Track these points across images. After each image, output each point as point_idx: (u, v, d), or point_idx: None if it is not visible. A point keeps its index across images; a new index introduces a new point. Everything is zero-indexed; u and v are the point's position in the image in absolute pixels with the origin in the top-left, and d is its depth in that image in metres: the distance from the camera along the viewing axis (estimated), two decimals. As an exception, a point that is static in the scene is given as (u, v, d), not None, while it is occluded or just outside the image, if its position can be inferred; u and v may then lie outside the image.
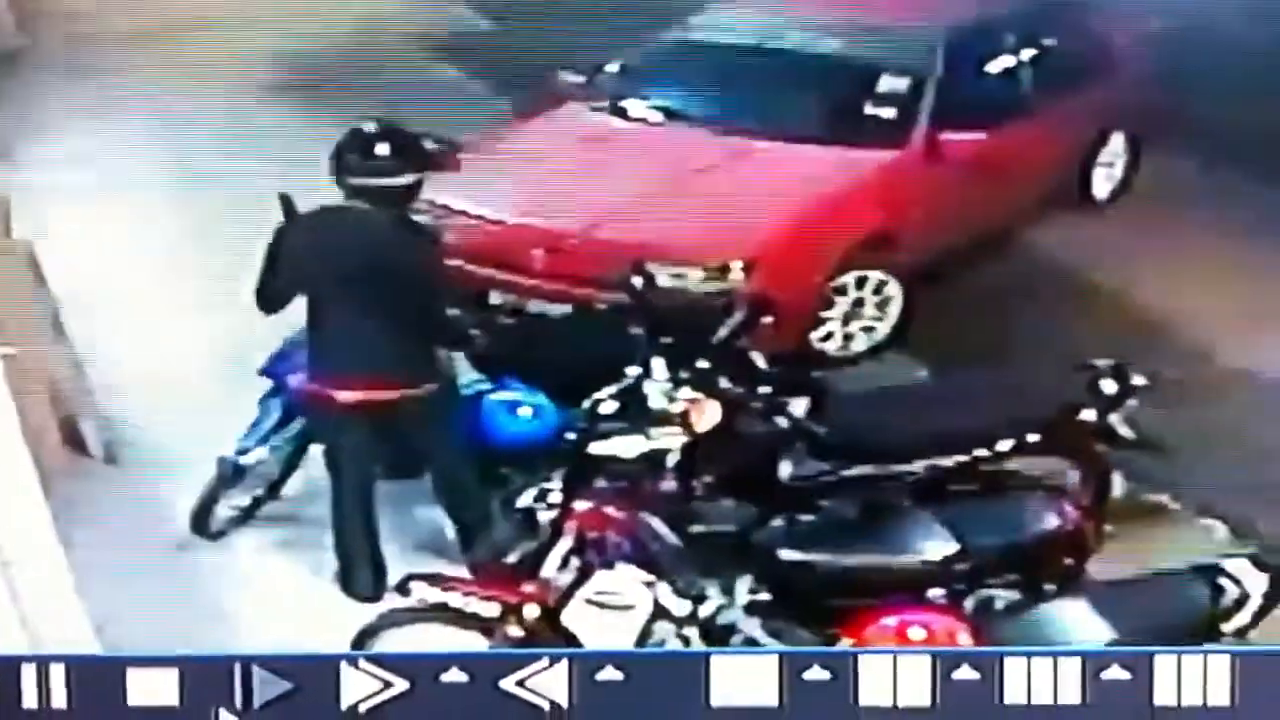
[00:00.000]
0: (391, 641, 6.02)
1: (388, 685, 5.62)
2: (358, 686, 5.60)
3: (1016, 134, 8.58)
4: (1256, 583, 6.11)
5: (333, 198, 6.95)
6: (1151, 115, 9.06)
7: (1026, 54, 8.98)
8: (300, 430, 6.96)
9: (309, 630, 6.15)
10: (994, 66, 8.92)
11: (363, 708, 5.60)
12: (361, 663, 5.64)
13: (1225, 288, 8.00)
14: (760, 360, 6.89)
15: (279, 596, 6.56)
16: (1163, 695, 5.70)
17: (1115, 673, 5.68)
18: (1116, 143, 9.20)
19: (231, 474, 6.95)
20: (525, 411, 7.04)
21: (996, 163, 8.32)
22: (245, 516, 6.99)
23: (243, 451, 6.98)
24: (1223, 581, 6.13)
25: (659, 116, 8.86)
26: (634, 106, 8.93)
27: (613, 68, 9.19)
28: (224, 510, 6.96)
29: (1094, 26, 9.06)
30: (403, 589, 6.13)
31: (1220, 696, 5.67)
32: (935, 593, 6.28)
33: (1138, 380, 6.83)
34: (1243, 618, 6.07)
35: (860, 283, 7.99)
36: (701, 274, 7.88)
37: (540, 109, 9.05)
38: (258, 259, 6.83)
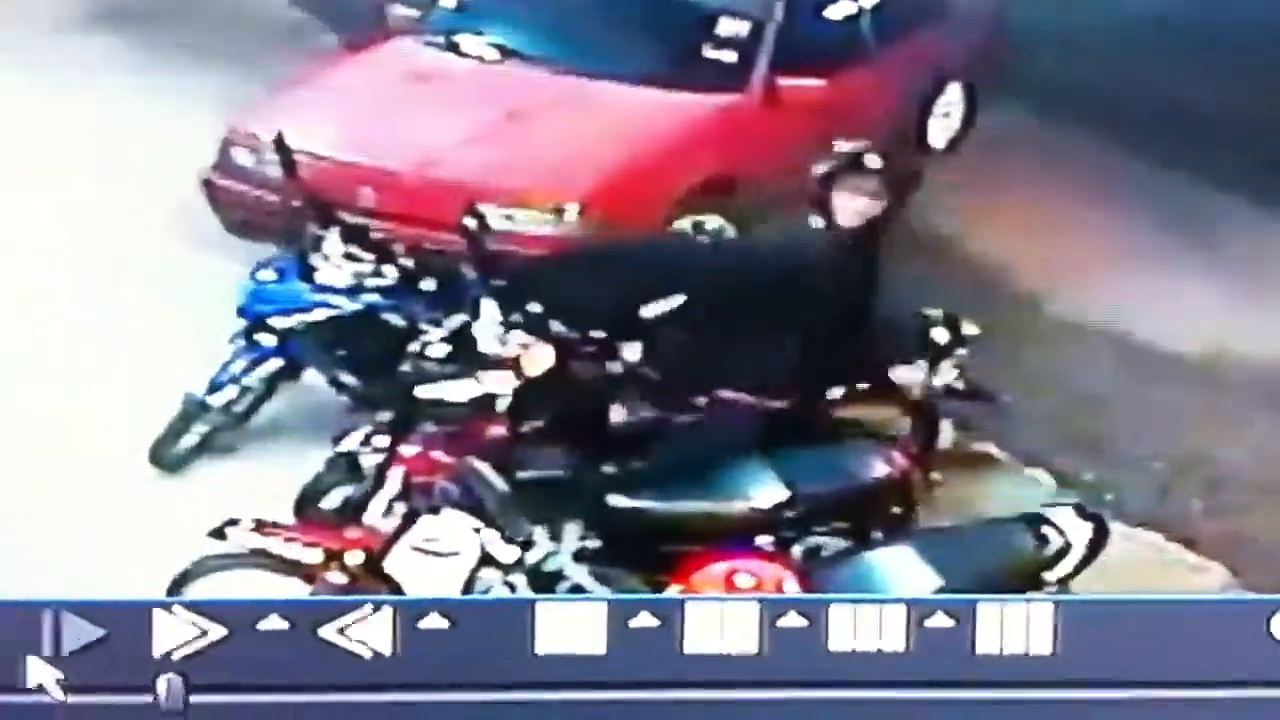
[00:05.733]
0: (208, 587, 6.01)
1: (203, 633, 5.60)
2: (172, 633, 5.57)
3: (855, 81, 8.67)
4: (1080, 532, 6.28)
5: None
6: (988, 65, 9.20)
7: (867, 1, 9.08)
8: (273, 371, 7.08)
9: (122, 574, 6.10)
10: (834, 12, 9.00)
11: (177, 655, 5.58)
12: (176, 609, 5.61)
13: (1055, 238, 8.16)
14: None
15: (90, 540, 6.54)
16: (985, 643, 5.83)
17: (939, 620, 5.81)
18: (953, 92, 9.34)
19: (197, 410, 7.07)
20: (266, 274, 7.15)
21: (835, 109, 8.40)
22: (201, 448, 7.07)
23: (214, 389, 7.09)
24: (1047, 531, 6.30)
25: (494, 54, 8.84)
26: (468, 43, 8.91)
27: (447, 2, 9.15)
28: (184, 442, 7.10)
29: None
30: (219, 534, 6.12)
31: (1042, 645, 5.82)
32: (764, 540, 6.39)
33: (969, 330, 6.95)
34: (1065, 566, 6.24)
35: (697, 227, 8.06)
36: (535, 215, 7.91)
37: (369, 43, 9.00)
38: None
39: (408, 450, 6.41)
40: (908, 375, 6.81)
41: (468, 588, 6.11)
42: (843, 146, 7.00)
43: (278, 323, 7.11)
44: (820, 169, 6.95)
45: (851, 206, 6.81)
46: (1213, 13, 8.51)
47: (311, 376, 7.20)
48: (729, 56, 8.68)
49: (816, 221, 6.91)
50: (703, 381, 6.83)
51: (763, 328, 6.71)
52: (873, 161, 6.92)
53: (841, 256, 6.79)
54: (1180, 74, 8.63)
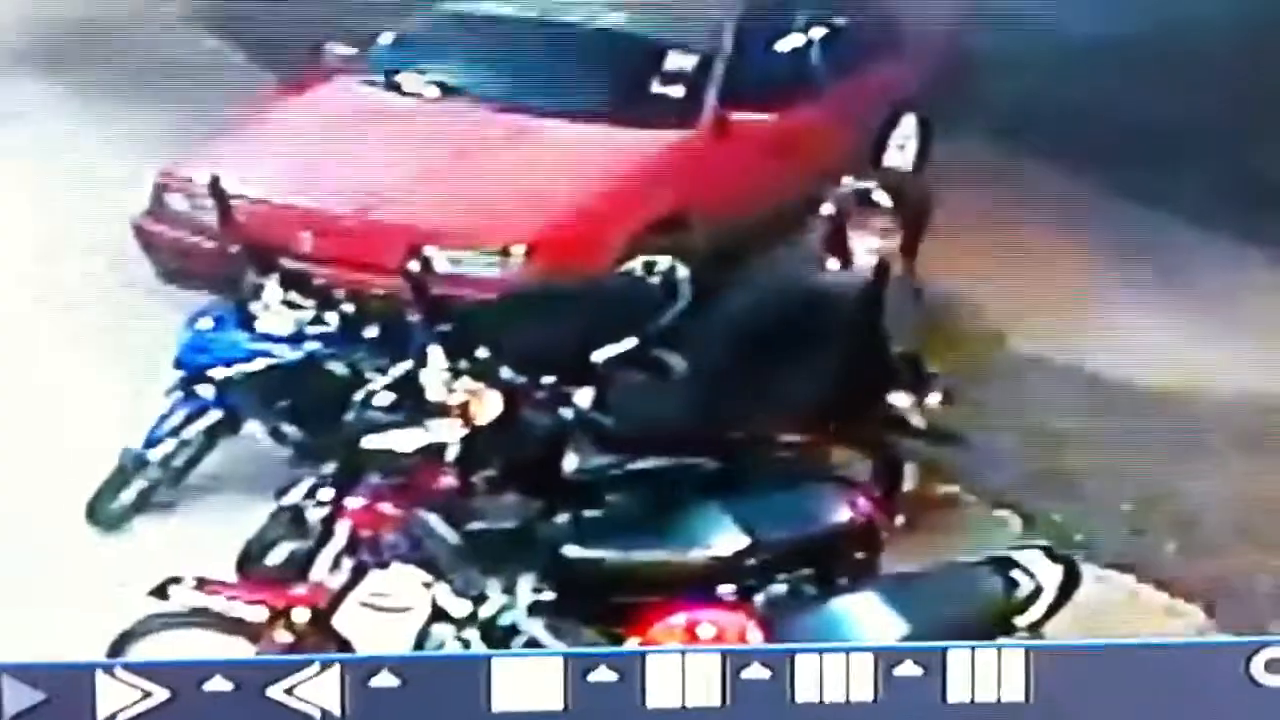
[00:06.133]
0: (151, 648, 5.96)
1: (147, 695, 5.57)
2: (115, 696, 5.54)
3: (807, 114, 8.71)
4: (1050, 575, 6.28)
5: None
6: (942, 97, 9.26)
7: (817, 33, 9.12)
8: (212, 424, 7.07)
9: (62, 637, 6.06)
10: (784, 45, 9.05)
11: (121, 718, 5.54)
12: (118, 671, 5.58)
13: (1017, 272, 8.20)
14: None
15: (28, 600, 6.48)
16: (956, 692, 5.83)
17: (908, 669, 5.81)
18: (908, 124, 9.39)
19: (134, 465, 7.06)
20: (204, 323, 7.14)
21: (787, 143, 8.45)
22: (139, 505, 7.06)
23: (152, 443, 7.05)
24: (1016, 574, 6.29)
25: (435, 92, 8.84)
26: (409, 81, 8.91)
27: (386, 39, 9.15)
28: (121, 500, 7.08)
29: (885, 6, 9.23)
30: (161, 593, 6.07)
31: (1014, 692, 5.82)
32: (725, 589, 6.37)
33: (931, 369, 6.96)
34: (1036, 611, 6.23)
35: (649, 268, 8.06)
36: (481, 258, 7.90)
37: (307, 83, 8.99)
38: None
39: (354, 503, 6.38)
40: (900, 399, 6.83)
41: (419, 644, 6.08)
42: (849, 184, 7.02)
43: (216, 373, 7.09)
44: (828, 209, 6.97)
45: (866, 245, 6.84)
46: (1176, 39, 8.57)
47: (252, 428, 7.17)
48: (677, 91, 8.71)
49: (832, 263, 6.94)
50: (660, 425, 6.82)
51: (730, 368, 6.71)
52: (881, 197, 6.95)
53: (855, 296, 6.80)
54: (1143, 101, 8.69)
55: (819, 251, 7.00)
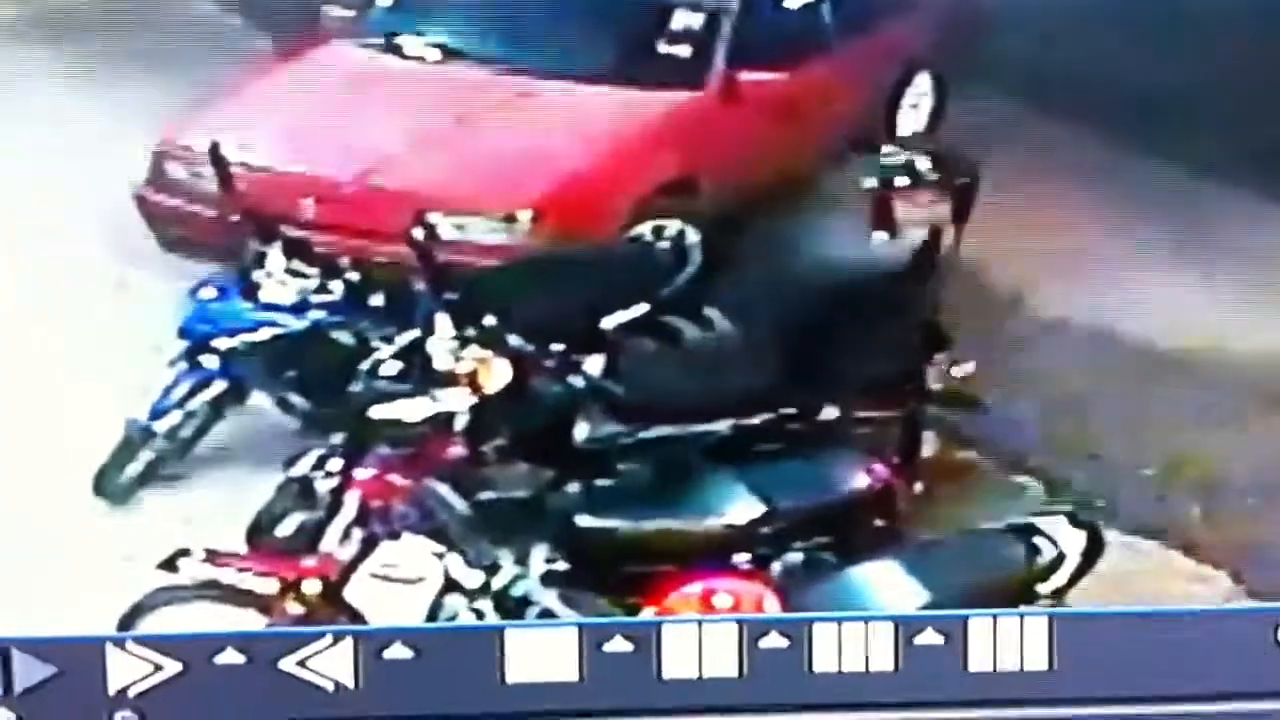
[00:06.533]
0: (161, 621, 6.02)
1: (158, 668, 5.62)
2: (126, 669, 5.60)
3: (818, 73, 8.73)
4: (1073, 542, 6.33)
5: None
6: (956, 55, 9.28)
7: (827, -13, 9.15)
8: (218, 394, 7.10)
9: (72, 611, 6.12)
10: (793, 1, 9.07)
11: (132, 692, 5.60)
12: (129, 644, 5.63)
13: (1034, 232, 8.23)
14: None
15: (38, 575, 6.55)
16: (978, 660, 5.88)
17: (929, 637, 5.85)
18: (922, 82, 9.41)
19: (140, 437, 7.08)
20: (207, 292, 7.19)
21: (798, 103, 8.46)
22: (147, 477, 7.08)
23: (157, 415, 7.09)
24: (1038, 541, 6.35)
25: (436, 54, 8.86)
26: (409, 43, 8.93)
27: (384, 1, 9.18)
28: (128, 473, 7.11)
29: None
30: (170, 565, 6.13)
31: (1038, 661, 5.86)
32: (741, 557, 6.43)
33: (948, 333, 7.01)
34: (1059, 578, 6.29)
35: (658, 232, 8.11)
36: (486, 224, 7.94)
37: (305, 47, 9.01)
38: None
39: (363, 473, 6.43)
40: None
41: (432, 615, 6.14)
42: (891, 156, 7.07)
43: (221, 344, 7.13)
44: (869, 181, 7.01)
45: (914, 216, 6.88)
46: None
47: (259, 399, 7.21)
48: (684, 51, 8.72)
49: (879, 235, 6.97)
50: (671, 395, 6.87)
51: (749, 336, 6.77)
52: (924, 164, 6.99)
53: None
54: (1163, 57, 8.71)
55: (867, 223, 7.03)
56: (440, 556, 6.19)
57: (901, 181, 7.02)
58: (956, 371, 6.87)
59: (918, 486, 6.84)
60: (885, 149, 7.20)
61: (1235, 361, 7.51)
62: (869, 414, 6.87)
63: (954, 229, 7.03)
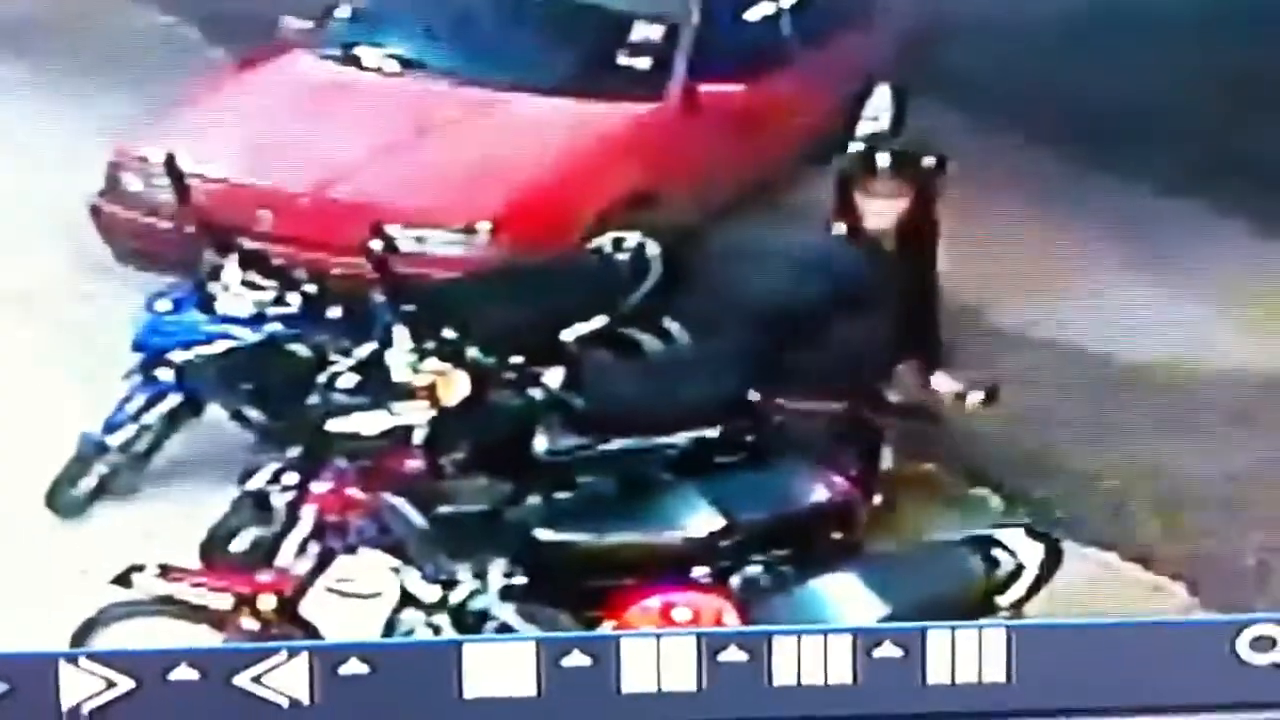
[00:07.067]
0: (115, 637, 6.01)
1: (111, 684, 5.62)
2: (79, 686, 5.59)
3: (778, 85, 8.76)
4: (1031, 553, 6.36)
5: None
6: (915, 68, 9.31)
7: (787, 0, 9.17)
8: (173, 408, 7.07)
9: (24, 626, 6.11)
10: (753, 14, 9.09)
11: (85, 709, 5.59)
12: (82, 660, 5.62)
13: (993, 245, 8.25)
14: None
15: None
16: (936, 673, 5.90)
17: (888, 650, 5.88)
18: (881, 95, 9.44)
19: (93, 451, 7.06)
20: (163, 305, 7.17)
21: (759, 115, 8.48)
22: (100, 491, 7.06)
23: (111, 429, 7.07)
24: (997, 553, 6.37)
25: (395, 66, 8.86)
26: (367, 55, 8.92)
27: (343, 12, 9.16)
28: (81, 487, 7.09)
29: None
30: (124, 580, 6.12)
31: (995, 673, 5.89)
32: (700, 571, 6.44)
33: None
34: (1018, 590, 6.31)
35: (618, 244, 8.12)
36: (445, 236, 7.95)
37: (263, 57, 9.00)
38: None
39: (319, 487, 6.43)
40: (945, 383, 6.88)
41: (389, 630, 6.13)
42: (855, 148, 7.08)
43: (176, 356, 7.11)
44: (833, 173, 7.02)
45: (875, 208, 6.88)
46: (1153, 11, 8.64)
47: (214, 412, 7.19)
48: (644, 63, 8.73)
49: (839, 229, 6.97)
50: (631, 407, 6.88)
51: (710, 344, 6.78)
52: (883, 159, 6.99)
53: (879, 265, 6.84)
54: (1124, 71, 8.75)
55: (829, 216, 7.04)
56: (397, 571, 6.18)
57: (862, 173, 7.01)
58: (971, 400, 6.89)
59: (877, 499, 6.85)
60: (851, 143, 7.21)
61: (1195, 375, 7.56)
62: (815, 409, 6.84)
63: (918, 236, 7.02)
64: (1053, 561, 6.36)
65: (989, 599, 6.28)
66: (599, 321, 7.12)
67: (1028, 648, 5.88)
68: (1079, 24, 8.75)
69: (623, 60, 8.74)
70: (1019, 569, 6.33)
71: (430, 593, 6.18)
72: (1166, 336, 7.72)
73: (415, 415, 6.61)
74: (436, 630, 6.14)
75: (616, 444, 6.82)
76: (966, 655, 5.86)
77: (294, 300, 7.24)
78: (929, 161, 6.98)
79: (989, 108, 8.92)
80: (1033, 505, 7.05)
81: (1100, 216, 8.42)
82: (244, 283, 7.25)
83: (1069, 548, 6.61)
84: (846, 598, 6.25)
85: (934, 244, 6.89)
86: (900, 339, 6.86)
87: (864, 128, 9.37)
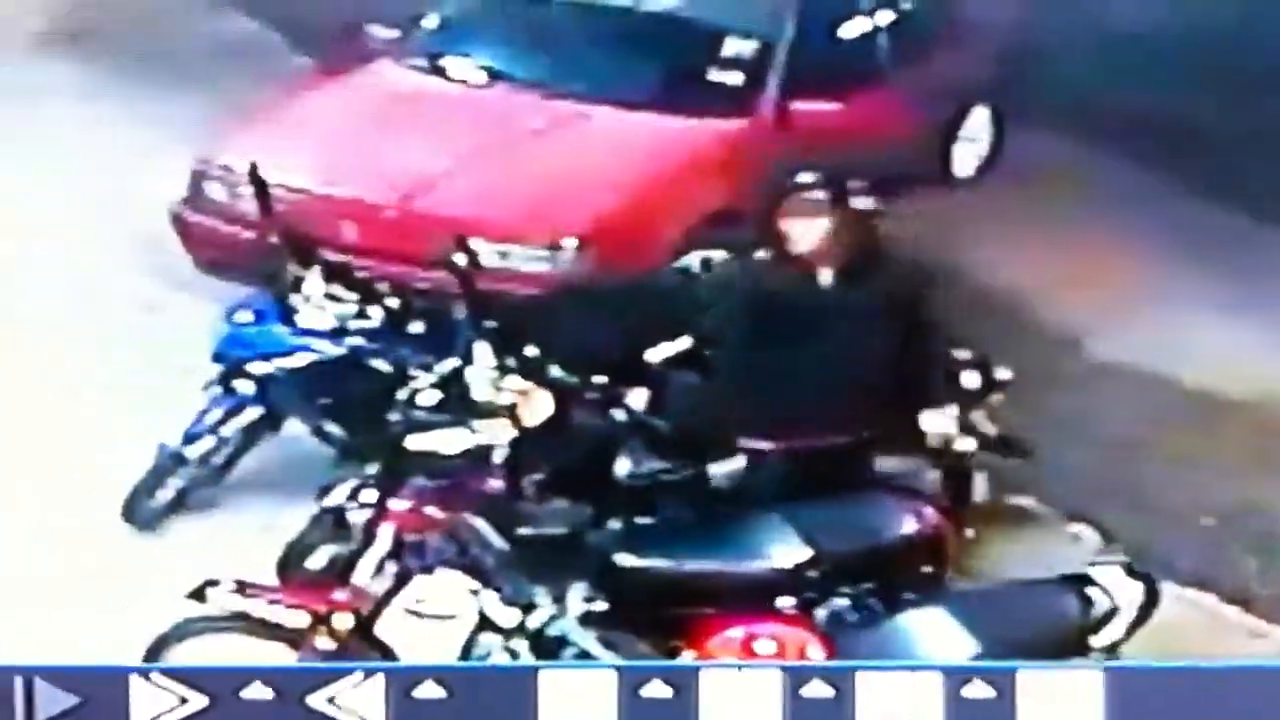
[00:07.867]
0: (188, 653, 5.99)
1: (184, 701, 5.57)
2: (151, 702, 5.54)
3: (872, 104, 8.70)
4: (1129, 593, 6.24)
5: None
6: (1010, 90, 9.23)
7: (883, 18, 9.11)
8: (252, 421, 7.10)
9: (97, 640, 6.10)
10: (848, 31, 9.04)
11: (157, 725, 5.56)
12: (154, 676, 5.57)
13: (1092, 273, 8.17)
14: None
15: (63, 602, 6.52)
16: (1028, 714, 5.81)
17: (978, 689, 5.78)
18: (979, 116, 9.37)
19: (171, 463, 7.09)
20: (243, 316, 7.14)
21: (851, 135, 8.41)
22: (177, 504, 7.10)
23: (189, 440, 7.10)
24: (1092, 592, 6.25)
25: (482, 77, 8.86)
26: (454, 65, 8.92)
27: (430, 21, 9.17)
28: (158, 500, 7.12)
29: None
30: (199, 595, 6.09)
31: (1090, 715, 5.79)
32: (784, 601, 6.35)
33: (1002, 374, 6.94)
34: (1114, 631, 6.19)
35: (705, 264, 8.06)
36: (530, 251, 7.91)
37: (348, 66, 9.00)
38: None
39: (398, 505, 6.37)
40: (936, 422, 6.79)
41: (465, 654, 6.08)
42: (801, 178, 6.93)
43: (256, 369, 7.10)
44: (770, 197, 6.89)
45: (797, 230, 6.74)
46: (1251, 38, 8.54)
47: (293, 426, 7.19)
48: (736, 79, 8.70)
49: (761, 254, 6.86)
50: (716, 431, 6.81)
51: (786, 371, 6.68)
52: (804, 176, 6.83)
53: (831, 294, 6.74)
54: (1219, 99, 8.67)
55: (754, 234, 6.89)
56: (475, 593, 6.12)
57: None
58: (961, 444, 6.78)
59: (969, 533, 6.77)
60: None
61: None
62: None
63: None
64: (1150, 602, 6.24)
65: (1083, 639, 6.18)
66: (684, 343, 7.05)
67: (1123, 690, 5.76)
68: (1177, 50, 8.68)
69: (714, 75, 8.71)
70: (1114, 609, 6.21)
71: (508, 616, 6.11)
72: (1268, 369, 7.63)
73: (496, 434, 6.56)
74: (514, 655, 6.08)
75: (701, 469, 6.75)
76: (1060, 697, 5.75)
77: (376, 314, 7.22)
78: (855, 185, 6.78)
79: (1089, 133, 8.86)
80: (1129, 543, 6.95)
81: (1202, 246, 8.35)
82: (326, 295, 7.22)
83: (1166, 588, 6.49)
84: (935, 633, 6.15)
85: (902, 282, 6.72)
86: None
87: (961, 148, 9.31)
